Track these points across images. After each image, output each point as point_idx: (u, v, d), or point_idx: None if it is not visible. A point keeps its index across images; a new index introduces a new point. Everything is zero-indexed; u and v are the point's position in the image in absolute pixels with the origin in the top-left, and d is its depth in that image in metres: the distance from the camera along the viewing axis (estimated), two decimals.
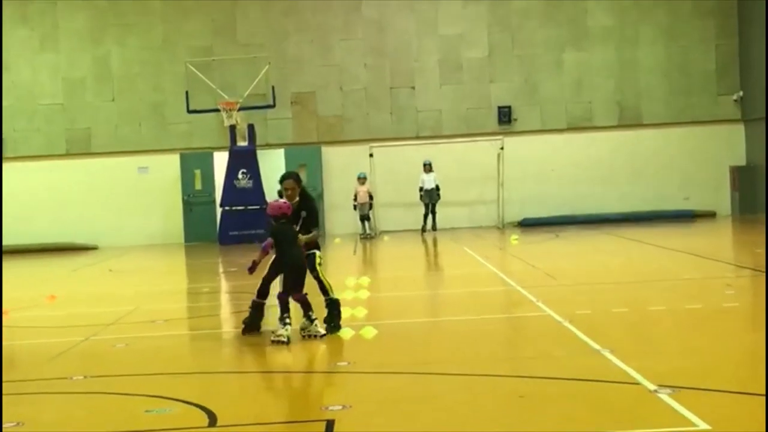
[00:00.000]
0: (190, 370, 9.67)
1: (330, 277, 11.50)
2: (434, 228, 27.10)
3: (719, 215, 28.35)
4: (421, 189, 27.17)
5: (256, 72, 27.41)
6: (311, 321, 10.53)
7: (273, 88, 27.17)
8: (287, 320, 10.39)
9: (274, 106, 27.33)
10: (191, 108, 27.28)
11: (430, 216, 27.26)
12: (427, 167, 27.14)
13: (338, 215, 28.66)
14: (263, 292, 11.01)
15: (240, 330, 11.16)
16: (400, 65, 29.00)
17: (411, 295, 15.10)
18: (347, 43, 28.94)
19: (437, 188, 26.98)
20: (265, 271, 10.95)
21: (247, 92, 27.03)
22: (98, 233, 28.61)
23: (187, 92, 27.27)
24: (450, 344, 10.24)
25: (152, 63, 28.97)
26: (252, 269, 10.67)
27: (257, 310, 11.09)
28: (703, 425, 6.48)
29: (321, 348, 10.43)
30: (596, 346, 9.37)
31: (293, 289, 10.44)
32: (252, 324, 11.08)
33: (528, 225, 27.81)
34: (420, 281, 17.29)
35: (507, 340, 10.45)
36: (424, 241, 25.41)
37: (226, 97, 26.97)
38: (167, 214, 28.83)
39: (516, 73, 28.97)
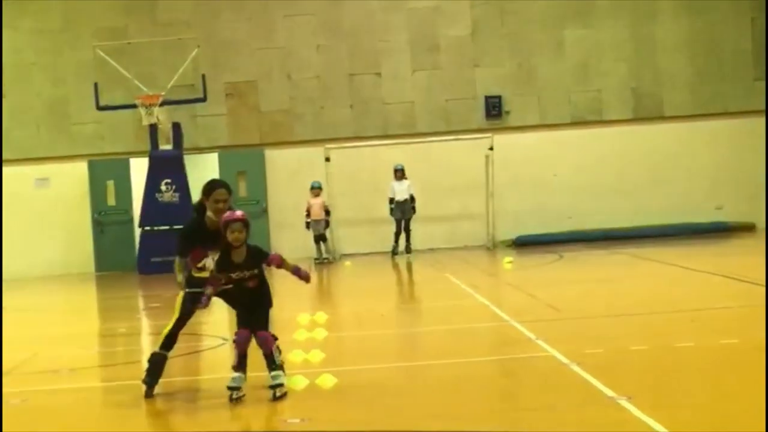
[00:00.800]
0: None
1: (280, 311, 11.48)
2: (408, 250, 27.06)
3: (759, 227, 28.53)
4: (391, 201, 27.19)
5: (181, 58, 27.43)
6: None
7: (203, 77, 27.14)
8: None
9: (204, 99, 27.27)
10: (101, 104, 27.21)
11: (402, 234, 27.21)
12: (399, 173, 27.11)
13: (286, 235, 28.70)
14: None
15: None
16: (361, 47, 29.13)
17: (380, 334, 15.07)
18: (294, 19, 29.01)
19: (412, 200, 26.92)
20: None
21: (170, 83, 27.07)
22: None
23: (96, 84, 27.17)
24: (429, 395, 10.21)
25: (51, 50, 28.94)
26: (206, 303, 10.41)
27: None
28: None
29: (267, 401, 10.39)
30: (611, 393, 9.41)
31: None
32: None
33: (524, 244, 27.86)
34: (391, 317, 17.25)
35: (500, 388, 10.43)
36: (396, 266, 25.37)
37: (144, 89, 26.97)
38: (73, 236, 28.77)
39: (507, 55, 29.17)
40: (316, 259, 26.87)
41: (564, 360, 11.15)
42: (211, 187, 10.73)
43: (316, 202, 26.63)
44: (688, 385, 9.97)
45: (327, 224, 26.93)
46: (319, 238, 26.88)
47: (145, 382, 10.61)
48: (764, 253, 23.51)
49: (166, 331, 10.59)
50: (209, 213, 10.54)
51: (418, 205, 27.10)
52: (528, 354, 11.97)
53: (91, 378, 12.83)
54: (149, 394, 10.52)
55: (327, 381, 10.67)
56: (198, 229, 10.69)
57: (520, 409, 9.53)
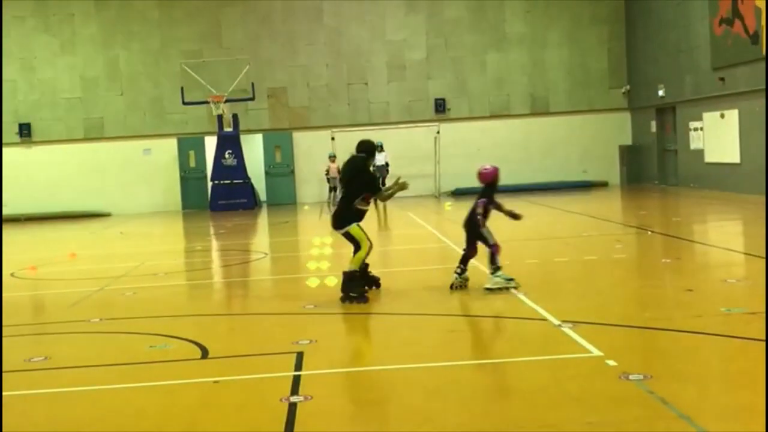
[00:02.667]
0: (186, 313, 9.63)
1: (301, 236, 11.44)
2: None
3: (610, 184, 28.62)
4: (373, 166, 26.87)
5: (238, 71, 27.17)
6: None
7: (252, 84, 26.94)
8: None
9: (253, 98, 27.09)
10: (186, 100, 26.96)
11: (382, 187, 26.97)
12: (380, 148, 26.88)
13: (306, 187, 28.62)
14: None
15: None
16: (355, 65, 28.78)
17: None
18: (312, 47, 28.67)
19: (387, 165, 26.82)
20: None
21: (231, 88, 26.83)
22: (111, 203, 28.38)
23: (182, 88, 26.98)
24: (394, 290, 10.26)
25: (152, 64, 28.54)
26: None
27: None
28: (597, 352, 6.58)
29: (292, 293, 10.42)
30: (513, 290, 9.44)
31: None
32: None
33: (459, 194, 27.81)
34: (373, 239, 17.26)
35: (440, 285, 10.48)
36: (376, 207, 25.33)
37: (214, 91, 26.74)
38: (167, 186, 28.56)
39: (449, 71, 28.89)
40: (328, 202, 26.67)
41: (483, 269, 11.19)
42: (374, 149, 10.07)
43: (333, 166, 26.35)
44: (563, 286, 10.03)
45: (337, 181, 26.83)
46: (332, 189, 26.60)
47: (358, 295, 9.30)
48: (616, 201, 23.57)
49: (362, 255, 9.51)
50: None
51: (391, 167, 26.92)
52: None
53: (178, 278, 12.84)
54: (365, 299, 9.27)
55: (331, 281, 10.70)
56: None
57: (453, 299, 9.58)
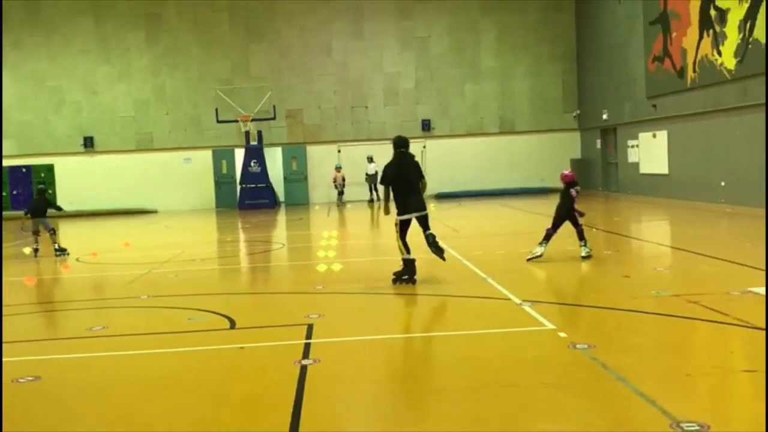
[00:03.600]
0: (218, 291, 9.62)
1: (313, 230, 11.40)
2: (378, 199, 26.76)
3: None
4: (366, 174, 26.77)
5: (262, 96, 27.13)
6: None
7: (274, 106, 26.90)
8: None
9: (275, 118, 26.99)
10: (219, 119, 26.84)
11: (373, 192, 26.86)
12: (369, 159, 26.81)
13: (317, 191, 28.55)
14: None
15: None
16: (358, 92, 28.70)
17: (365, 243, 15.10)
18: (323, 76, 28.60)
19: (376, 173, 26.59)
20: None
21: (256, 109, 26.77)
22: (157, 201, 28.29)
23: (216, 109, 26.85)
24: (390, 275, 10.25)
25: (192, 89, 28.41)
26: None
27: None
28: (550, 326, 6.58)
29: (304, 277, 10.40)
30: (483, 275, 9.45)
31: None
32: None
33: (442, 197, 27.80)
34: (368, 233, 17.27)
35: (425, 272, 10.48)
36: (371, 207, 25.26)
37: (242, 112, 26.66)
38: (203, 189, 28.47)
39: (434, 98, 28.82)
40: (336, 203, 26.51)
41: (459, 257, 11.20)
42: (409, 143, 9.80)
43: (338, 175, 26.30)
44: (526, 271, 10.02)
45: (344, 185, 26.84)
46: (340, 193, 26.55)
47: (408, 278, 9.20)
48: None
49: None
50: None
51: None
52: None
53: (212, 264, 12.82)
54: (413, 282, 9.18)
55: (336, 267, 10.68)
56: None
57: (433, 281, 9.57)
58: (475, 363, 5.71)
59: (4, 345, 6.64)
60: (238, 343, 6.53)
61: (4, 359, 6.10)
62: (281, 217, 23.73)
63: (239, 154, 27.63)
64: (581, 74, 28.42)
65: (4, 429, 3.89)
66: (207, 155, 28.24)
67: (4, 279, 10.99)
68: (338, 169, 26.62)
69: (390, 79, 28.81)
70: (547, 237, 10.70)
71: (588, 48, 27.57)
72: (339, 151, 27.37)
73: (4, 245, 16.31)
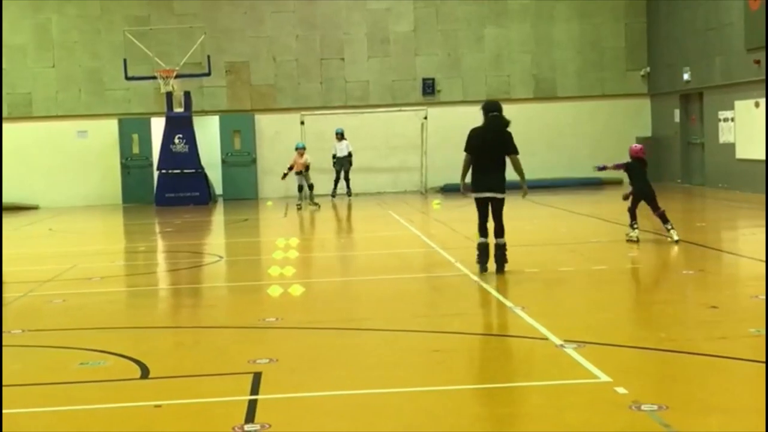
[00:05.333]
0: (124, 325, 9.60)
1: (263, 237, 11.44)
2: (349, 194, 26.54)
3: (625, 183, 28.62)
4: (334, 156, 26.48)
5: (191, 42, 27.15)
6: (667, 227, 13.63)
7: (208, 57, 26.88)
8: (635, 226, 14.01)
9: (209, 74, 26.99)
10: (129, 75, 26.80)
11: (342, 182, 26.67)
12: (339, 136, 26.52)
13: (270, 180, 28.47)
14: None
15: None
16: (330, 37, 28.80)
17: (337, 255, 15.12)
18: (279, 15, 28.66)
19: (350, 155, 26.50)
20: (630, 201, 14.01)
21: (183, 61, 26.74)
22: (38, 194, 28.25)
23: (125, 60, 26.75)
24: (371, 302, 10.29)
25: (90, 31, 28.41)
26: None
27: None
28: (604, 377, 6.63)
29: (250, 304, 10.42)
30: (509, 304, 9.50)
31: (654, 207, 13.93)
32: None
33: (450, 190, 27.75)
34: (348, 242, 17.31)
35: (426, 298, 10.52)
36: (335, 206, 25.05)
37: (163, 65, 26.63)
38: (105, 176, 28.52)
39: (440, 47, 28.97)
40: (300, 203, 26.01)
41: (475, 278, 11.26)
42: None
43: (300, 161, 25.24)
44: (567, 299, 10.09)
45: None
46: (303, 188, 25.92)
47: (479, 262, 11.31)
48: None
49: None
50: None
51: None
52: (448, 273, 12.06)
53: (116, 284, 12.79)
54: (484, 270, 11.23)
55: (296, 290, 10.71)
56: None
57: (439, 315, 9.61)
58: (501, 421, 5.73)
59: None
60: (153, 400, 6.53)
61: None
62: (218, 217, 23.66)
63: (157, 126, 27.65)
64: (653, 16, 28.60)
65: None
66: (111, 127, 28.24)
67: None
68: (300, 150, 26.32)
69: (376, 20, 28.89)
70: (633, 215, 14.01)
71: None
72: (302, 123, 27.44)
73: None
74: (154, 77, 26.77)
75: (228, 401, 6.43)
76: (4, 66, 28.24)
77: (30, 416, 6.34)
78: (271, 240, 16.46)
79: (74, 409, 6.43)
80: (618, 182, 28.53)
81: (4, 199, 27.73)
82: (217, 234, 20.19)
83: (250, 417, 5.96)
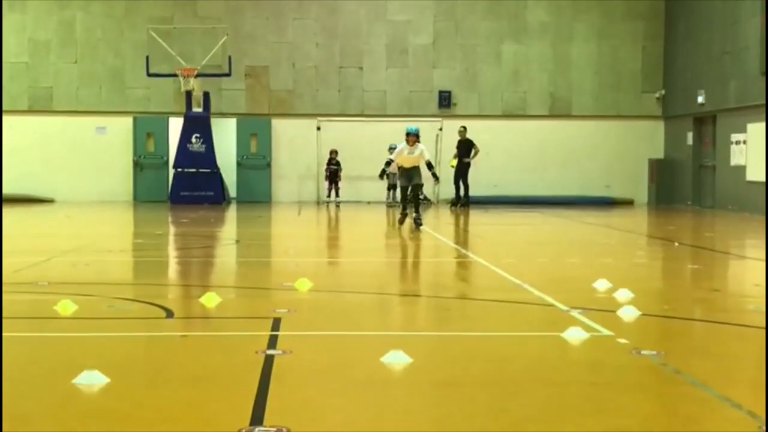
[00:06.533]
0: (147, 281, 10.03)
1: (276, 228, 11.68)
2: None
3: (637, 203, 29.12)
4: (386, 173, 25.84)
5: (213, 43, 27.50)
6: None
7: (230, 58, 27.16)
8: None
9: (230, 74, 27.34)
10: (150, 72, 27.25)
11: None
12: (414, 137, 25.82)
13: (284, 184, 28.98)
14: None
15: None
16: (349, 46, 29.23)
17: (367, 261, 15.50)
18: (301, 22, 29.15)
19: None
20: None
21: (204, 61, 27.04)
22: (55, 187, 28.60)
23: (147, 57, 27.22)
24: (418, 275, 10.68)
25: (114, 29, 28.86)
26: None
27: None
28: (606, 332, 7.03)
29: (270, 273, 10.81)
30: (518, 281, 9.90)
31: None
32: None
33: (460, 205, 27.92)
34: (381, 248, 17.66)
35: (444, 272, 10.91)
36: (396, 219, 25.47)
37: (184, 63, 27.02)
38: (121, 173, 28.81)
39: (458, 60, 29.39)
40: (388, 203, 26.68)
41: (485, 262, 11.66)
42: None
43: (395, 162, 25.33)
44: (575, 281, 10.46)
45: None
46: (392, 187, 26.08)
47: None
48: (641, 217, 24.02)
49: None
50: None
51: (370, 165, 26.82)
52: (458, 259, 12.43)
53: (137, 254, 13.21)
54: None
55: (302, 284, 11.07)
56: None
57: (449, 285, 10.00)
58: (503, 361, 6.14)
59: None
60: (179, 332, 6.95)
61: None
62: (232, 213, 24.12)
63: (175, 125, 28.08)
64: (670, 38, 29.05)
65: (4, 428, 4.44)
66: (127, 124, 28.73)
67: None
68: (333, 154, 26.90)
69: (396, 31, 29.36)
70: None
71: (681, 3, 28.22)
72: (318, 129, 27.88)
73: None
74: (175, 75, 27.12)
75: (250, 335, 6.84)
76: (27, 60, 28.74)
77: (61, 340, 6.73)
78: (291, 231, 16.83)
79: (104, 335, 6.84)
80: (629, 202, 29.01)
81: (20, 191, 28.22)
82: (232, 225, 20.65)
83: (271, 345, 6.37)
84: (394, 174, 24.92)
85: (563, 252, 13.68)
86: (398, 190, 21.02)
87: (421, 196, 18.00)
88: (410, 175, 16.86)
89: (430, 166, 17.10)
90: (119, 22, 28.88)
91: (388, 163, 17.52)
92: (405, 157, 16.92)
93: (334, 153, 27.41)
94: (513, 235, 17.67)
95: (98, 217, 22.20)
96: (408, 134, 16.93)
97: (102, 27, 28.91)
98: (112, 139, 28.90)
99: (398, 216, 17.88)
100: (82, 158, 28.71)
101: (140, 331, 7.10)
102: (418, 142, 16.95)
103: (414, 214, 16.83)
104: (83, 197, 28.33)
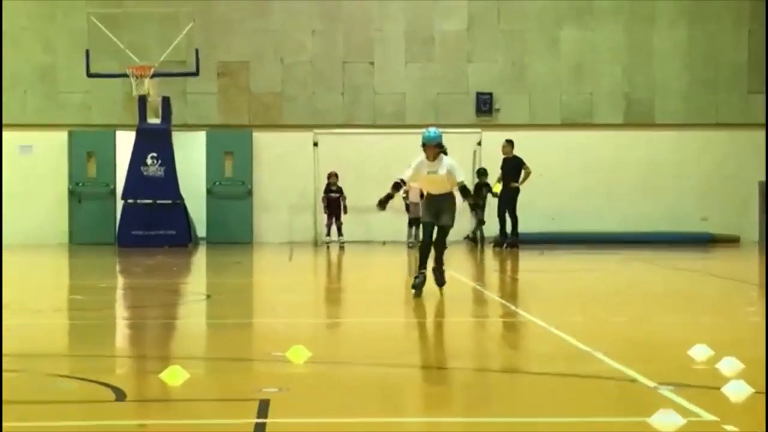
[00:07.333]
0: (88, 353, 10.01)
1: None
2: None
3: (744, 241, 28.86)
4: (409, 201, 26.22)
5: (176, 32, 27.51)
6: None
7: (197, 51, 27.07)
8: None
9: (197, 73, 27.28)
10: (92, 71, 27.16)
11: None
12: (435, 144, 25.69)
13: (269, 217, 28.95)
14: None
15: None
16: (356, 34, 29.35)
17: (391, 322, 15.48)
18: (290, 3, 29.19)
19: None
20: None
21: (163, 56, 27.05)
22: None
23: (87, 51, 27.10)
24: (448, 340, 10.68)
25: (43, 15, 29.04)
26: None
27: None
28: (709, 417, 6.97)
29: (250, 339, 10.80)
30: (587, 348, 9.85)
31: None
32: None
33: (507, 245, 27.52)
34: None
35: (485, 336, 10.88)
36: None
37: (136, 60, 26.98)
38: (51, 206, 28.88)
39: (501, 52, 29.43)
40: (409, 242, 26.43)
41: (543, 324, 11.63)
42: None
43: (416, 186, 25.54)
44: (666, 348, 10.37)
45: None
46: (414, 222, 25.89)
47: None
48: (752, 260, 23.96)
49: None
50: None
51: (400, 194, 26.52)
52: (510, 319, 12.40)
53: (73, 316, 13.19)
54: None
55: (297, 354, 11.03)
56: None
57: (503, 357, 9.96)
58: None
59: None
60: (134, 420, 6.94)
61: None
62: (201, 258, 24.07)
63: (124, 142, 28.11)
64: None
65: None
66: (61, 140, 28.79)
67: None
68: (333, 178, 26.69)
69: (419, 14, 29.41)
70: None
71: None
72: (315, 145, 27.83)
73: None
74: (125, 75, 27.00)
75: (229, 424, 6.80)
76: None
77: None
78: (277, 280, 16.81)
79: (32, 427, 6.82)
80: (734, 240, 28.80)
81: None
82: (201, 275, 20.64)
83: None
84: (417, 204, 25.13)
85: (647, 308, 13.59)
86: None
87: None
88: (438, 207, 14.34)
89: (465, 192, 14.74)
90: (50, 3, 28.95)
91: (397, 186, 14.49)
92: (424, 177, 14.43)
93: (333, 177, 27.29)
94: (578, 285, 17.57)
95: (23, 266, 22.14)
96: (426, 143, 14.30)
97: (27, 12, 28.96)
98: (41, 162, 28.88)
99: (414, 278, 14.56)
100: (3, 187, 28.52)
101: (81, 419, 7.04)
102: (443, 153, 14.32)
103: (434, 265, 14.50)
104: (3, 239, 28.08)
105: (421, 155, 14.26)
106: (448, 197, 14.35)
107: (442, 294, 14.36)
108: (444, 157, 14.19)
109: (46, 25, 29.06)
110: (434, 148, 14.14)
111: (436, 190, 14.38)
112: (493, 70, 29.45)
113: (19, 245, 27.56)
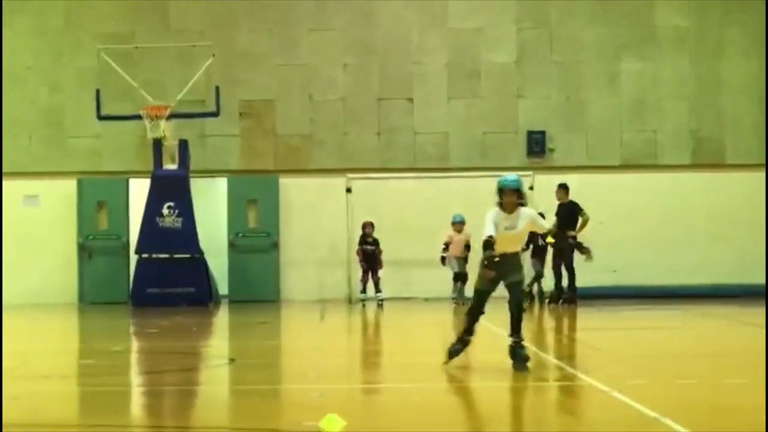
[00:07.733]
0: (102, 423, 10.04)
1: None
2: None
3: None
4: (450, 258, 26.31)
5: (194, 69, 27.59)
6: None
7: (217, 89, 27.08)
8: None
9: (218, 114, 27.30)
10: (102, 113, 27.31)
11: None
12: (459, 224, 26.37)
13: (298, 273, 28.94)
14: None
15: None
16: (393, 68, 29.47)
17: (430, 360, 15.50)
18: (320, 34, 29.34)
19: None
20: None
21: (180, 95, 27.18)
22: None
23: (97, 91, 27.23)
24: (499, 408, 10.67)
25: (50, 52, 29.26)
26: None
27: None
28: None
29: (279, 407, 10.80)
30: (654, 414, 9.82)
31: None
32: None
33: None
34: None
35: (539, 402, 10.86)
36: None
37: (151, 100, 27.05)
38: (58, 262, 28.98)
39: (554, 86, 29.47)
40: (453, 298, 26.32)
41: (602, 386, 11.60)
42: None
43: (457, 237, 26.14)
44: (740, 412, 10.31)
45: (466, 261, 26.21)
46: (460, 277, 26.01)
47: None
48: None
49: None
50: None
51: (438, 245, 26.50)
52: (565, 382, 12.38)
53: (83, 382, 13.24)
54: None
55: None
56: None
57: (561, 425, 9.95)
58: None
59: None
60: None
61: None
62: (223, 319, 24.08)
63: (138, 190, 28.24)
64: None
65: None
66: (69, 190, 28.92)
67: None
68: (458, 225, 26.15)
69: (462, 45, 29.50)
70: None
71: None
72: (349, 191, 27.83)
73: None
74: (138, 117, 27.12)
75: None
76: None
77: None
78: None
79: None
80: None
81: None
82: (223, 337, 20.67)
83: None
84: (463, 259, 25.18)
85: (721, 369, 13.54)
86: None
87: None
88: (504, 268, 13.31)
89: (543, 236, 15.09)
90: (57, 39, 29.18)
91: (491, 245, 13.06)
92: (503, 235, 13.24)
93: (369, 227, 27.11)
94: (642, 345, 17.52)
95: (29, 328, 22.24)
96: (503, 190, 13.34)
97: (32, 48, 29.20)
98: (47, 213, 29.01)
99: (453, 344, 13.90)
100: (4, 242, 28.62)
101: None
102: (522, 204, 13.40)
103: (511, 340, 13.55)
104: (6, 298, 28.10)
105: (493, 207, 13.35)
106: (517, 255, 13.58)
107: (528, 371, 13.26)
108: (522, 209, 13.32)
109: (53, 64, 29.23)
110: (513, 196, 13.26)
111: (510, 248, 13.35)
112: (546, 106, 29.44)
113: (24, 305, 27.69)
